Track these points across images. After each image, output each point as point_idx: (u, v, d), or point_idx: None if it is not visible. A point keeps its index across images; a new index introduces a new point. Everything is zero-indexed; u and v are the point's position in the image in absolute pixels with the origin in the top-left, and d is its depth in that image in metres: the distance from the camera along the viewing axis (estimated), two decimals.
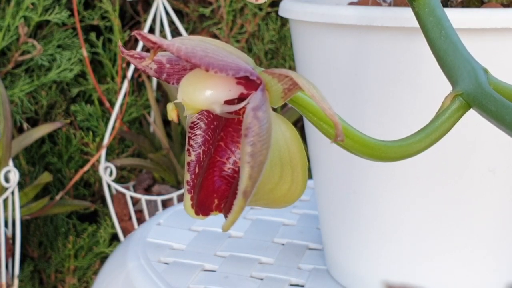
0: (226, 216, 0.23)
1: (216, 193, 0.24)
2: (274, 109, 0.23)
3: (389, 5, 0.50)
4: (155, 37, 0.21)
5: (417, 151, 0.24)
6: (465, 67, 0.27)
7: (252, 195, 0.20)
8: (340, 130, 0.19)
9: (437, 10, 0.29)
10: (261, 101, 0.21)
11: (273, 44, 1.37)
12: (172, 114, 0.24)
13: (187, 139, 0.25)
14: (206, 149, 0.25)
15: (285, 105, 1.25)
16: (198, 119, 0.25)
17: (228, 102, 0.23)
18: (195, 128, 0.25)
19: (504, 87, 0.26)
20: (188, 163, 0.25)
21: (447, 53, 0.27)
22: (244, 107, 0.22)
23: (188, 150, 0.25)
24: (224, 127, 0.24)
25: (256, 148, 0.20)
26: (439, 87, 0.34)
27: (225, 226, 0.20)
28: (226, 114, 0.23)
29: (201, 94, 0.22)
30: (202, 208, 0.24)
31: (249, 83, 0.22)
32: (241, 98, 0.23)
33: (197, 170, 0.25)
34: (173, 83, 0.25)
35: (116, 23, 1.31)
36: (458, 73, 0.27)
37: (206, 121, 0.25)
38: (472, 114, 0.28)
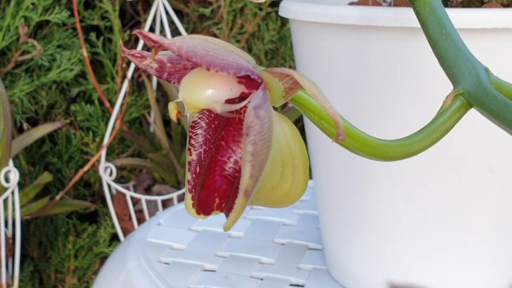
0: (227, 216, 0.23)
1: (217, 193, 0.24)
2: (275, 109, 0.22)
3: (389, 5, 0.50)
4: (156, 36, 0.21)
5: (418, 150, 0.24)
6: (466, 66, 0.26)
7: (253, 194, 0.20)
8: (342, 129, 0.19)
9: (438, 10, 0.29)
10: (262, 100, 0.21)
11: (273, 44, 1.37)
12: (172, 114, 0.24)
13: (188, 139, 0.25)
14: (207, 149, 0.25)
15: (285, 104, 1.25)
16: (199, 118, 0.25)
17: (229, 101, 0.23)
18: (196, 128, 0.25)
19: (505, 86, 0.26)
20: (189, 163, 0.25)
21: (448, 52, 0.27)
22: (245, 106, 0.22)
23: (189, 149, 0.25)
24: (225, 127, 0.24)
25: (258, 147, 0.20)
26: (440, 87, 0.34)
27: (227, 225, 0.20)
28: (227, 113, 0.23)
29: (202, 93, 0.22)
30: (203, 207, 0.24)
31: (250, 82, 0.22)
32: (242, 97, 0.23)
33: (198, 169, 0.25)
34: (174, 83, 0.25)
35: (116, 23, 1.31)
36: (459, 72, 0.27)
37: (207, 121, 0.25)
38: (472, 114, 0.28)
